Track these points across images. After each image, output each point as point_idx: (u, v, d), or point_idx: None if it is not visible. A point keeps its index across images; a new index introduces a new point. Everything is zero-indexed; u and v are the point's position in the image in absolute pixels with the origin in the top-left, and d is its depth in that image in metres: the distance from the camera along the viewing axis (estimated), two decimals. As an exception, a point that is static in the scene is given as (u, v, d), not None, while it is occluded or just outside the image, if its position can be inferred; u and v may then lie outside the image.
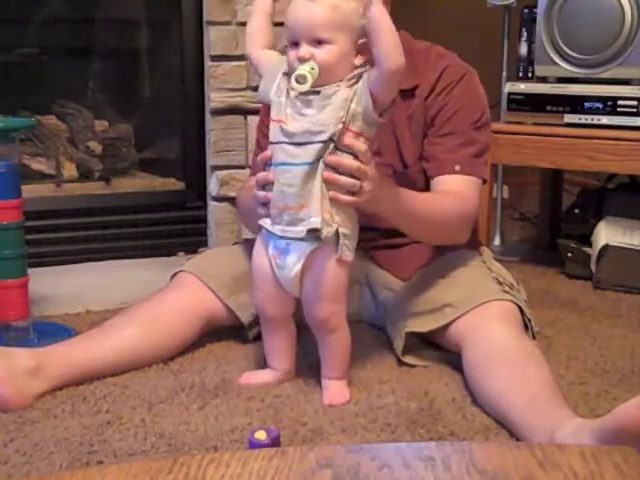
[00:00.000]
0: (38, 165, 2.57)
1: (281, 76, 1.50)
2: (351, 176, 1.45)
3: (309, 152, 1.44)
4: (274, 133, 1.48)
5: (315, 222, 1.44)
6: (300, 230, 1.46)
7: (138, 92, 2.90)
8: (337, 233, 1.46)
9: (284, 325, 1.59)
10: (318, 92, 1.44)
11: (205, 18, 2.44)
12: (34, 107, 2.57)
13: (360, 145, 1.45)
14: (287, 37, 1.48)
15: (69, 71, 2.77)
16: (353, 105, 1.44)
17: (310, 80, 1.41)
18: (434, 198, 1.70)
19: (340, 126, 1.43)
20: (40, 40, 2.67)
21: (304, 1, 1.45)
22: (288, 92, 1.47)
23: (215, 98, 2.47)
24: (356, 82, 1.45)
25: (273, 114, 1.49)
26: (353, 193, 1.45)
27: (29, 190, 2.15)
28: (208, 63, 2.47)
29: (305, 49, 1.44)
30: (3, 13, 2.56)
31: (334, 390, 1.55)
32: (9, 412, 1.48)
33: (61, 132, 2.68)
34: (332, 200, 1.45)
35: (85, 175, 2.62)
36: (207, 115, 2.51)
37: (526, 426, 1.36)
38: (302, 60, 1.44)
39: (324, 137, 1.43)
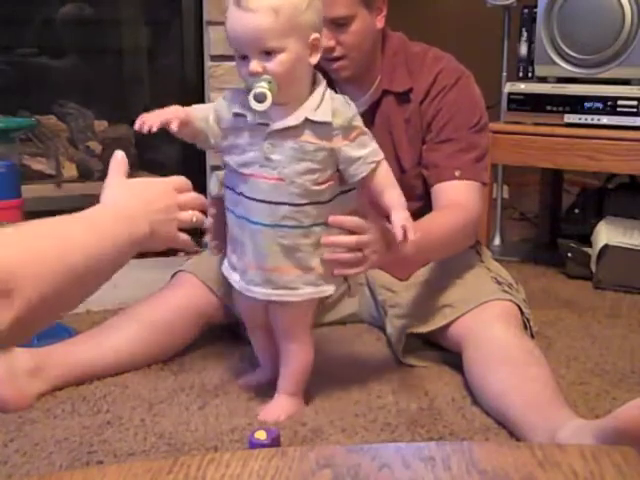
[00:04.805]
0: (38, 165, 2.57)
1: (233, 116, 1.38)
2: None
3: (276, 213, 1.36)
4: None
5: (311, 293, 1.41)
6: (273, 293, 1.41)
7: (138, 92, 2.90)
8: None
9: (268, 328, 1.55)
10: (284, 129, 1.32)
11: (205, 18, 2.44)
12: (34, 107, 2.57)
13: (353, 220, 1.36)
14: (233, 50, 1.33)
15: (69, 71, 2.77)
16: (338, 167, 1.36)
17: (270, 97, 1.27)
18: (438, 222, 1.61)
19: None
20: (40, 40, 2.67)
21: (240, 11, 1.28)
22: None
23: (215, 98, 2.45)
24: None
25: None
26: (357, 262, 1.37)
27: (29, 190, 2.15)
28: (208, 63, 2.47)
29: (255, 64, 1.29)
30: (3, 13, 2.56)
31: (275, 406, 1.49)
32: (9, 412, 1.48)
33: (61, 132, 2.69)
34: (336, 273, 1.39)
35: (85, 175, 2.62)
36: (207, 115, 2.50)
37: (526, 426, 1.36)
38: (255, 75, 1.29)
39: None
